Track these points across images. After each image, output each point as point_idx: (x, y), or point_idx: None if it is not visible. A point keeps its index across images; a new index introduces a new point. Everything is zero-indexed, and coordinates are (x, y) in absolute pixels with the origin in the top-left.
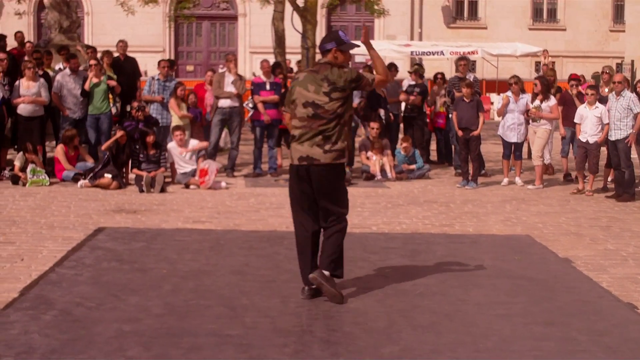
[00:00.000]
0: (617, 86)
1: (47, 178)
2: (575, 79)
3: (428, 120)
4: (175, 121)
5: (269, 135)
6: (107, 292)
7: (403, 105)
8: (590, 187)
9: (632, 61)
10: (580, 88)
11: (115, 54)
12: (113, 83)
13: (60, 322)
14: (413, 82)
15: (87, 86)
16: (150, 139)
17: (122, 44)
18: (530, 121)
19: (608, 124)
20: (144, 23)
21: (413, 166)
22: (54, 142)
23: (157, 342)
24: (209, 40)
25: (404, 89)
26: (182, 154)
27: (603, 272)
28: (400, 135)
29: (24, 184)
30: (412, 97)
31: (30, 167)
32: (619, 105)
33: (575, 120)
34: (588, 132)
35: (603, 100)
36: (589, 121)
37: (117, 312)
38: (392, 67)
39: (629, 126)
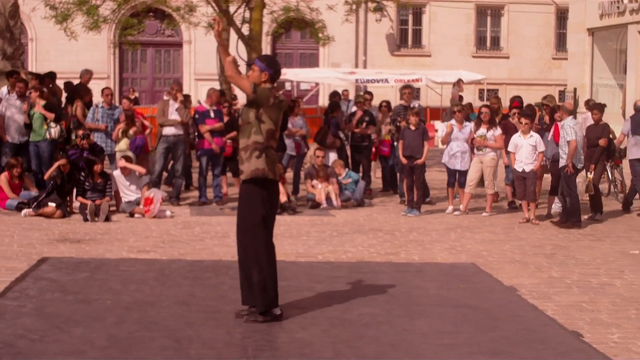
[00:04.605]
0: (558, 114)
1: None
2: (517, 106)
3: (373, 149)
4: (120, 149)
5: (213, 163)
6: (51, 324)
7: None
8: (533, 214)
9: (575, 89)
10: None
11: (76, 81)
12: (43, 111)
13: (3, 355)
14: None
15: (25, 119)
16: (97, 167)
17: (89, 75)
18: (475, 150)
19: (542, 152)
20: (88, 49)
21: (348, 179)
22: None
23: None
24: (154, 67)
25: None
26: (128, 174)
27: (548, 300)
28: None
29: None
30: (357, 130)
31: None
32: (561, 134)
33: (509, 149)
34: (524, 161)
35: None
36: (524, 150)
37: (61, 345)
38: (336, 95)
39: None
